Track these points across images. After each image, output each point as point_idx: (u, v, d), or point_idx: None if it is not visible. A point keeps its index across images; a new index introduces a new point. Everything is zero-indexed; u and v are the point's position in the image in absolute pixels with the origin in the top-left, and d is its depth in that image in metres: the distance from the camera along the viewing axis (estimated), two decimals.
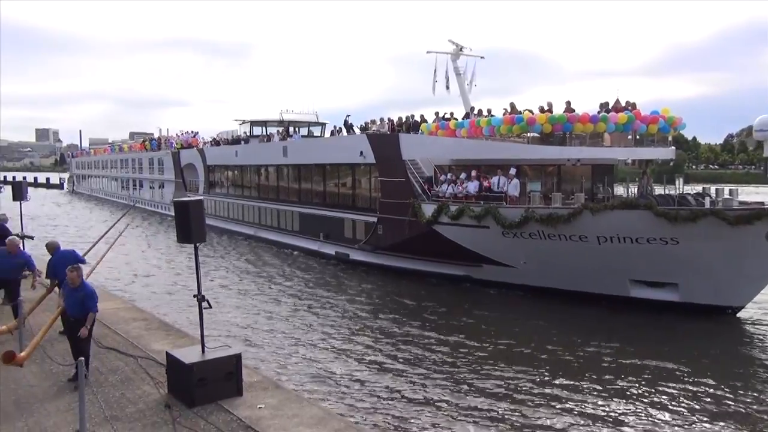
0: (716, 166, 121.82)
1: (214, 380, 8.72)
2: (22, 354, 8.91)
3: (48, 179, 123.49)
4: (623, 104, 22.91)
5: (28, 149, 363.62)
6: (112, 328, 12.90)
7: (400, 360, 15.07)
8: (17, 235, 14.86)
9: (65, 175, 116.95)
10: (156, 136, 65.99)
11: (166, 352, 9.45)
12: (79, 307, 9.69)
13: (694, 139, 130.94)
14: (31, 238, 18.59)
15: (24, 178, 35.38)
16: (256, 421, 8.11)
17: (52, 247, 12.13)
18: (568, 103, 22.21)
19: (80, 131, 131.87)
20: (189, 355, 9.06)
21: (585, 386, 13.36)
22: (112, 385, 9.52)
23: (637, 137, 23.22)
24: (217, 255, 31.36)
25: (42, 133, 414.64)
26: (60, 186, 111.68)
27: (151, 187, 60.49)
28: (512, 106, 23.76)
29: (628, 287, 19.97)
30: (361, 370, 14.31)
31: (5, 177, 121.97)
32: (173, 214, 54.65)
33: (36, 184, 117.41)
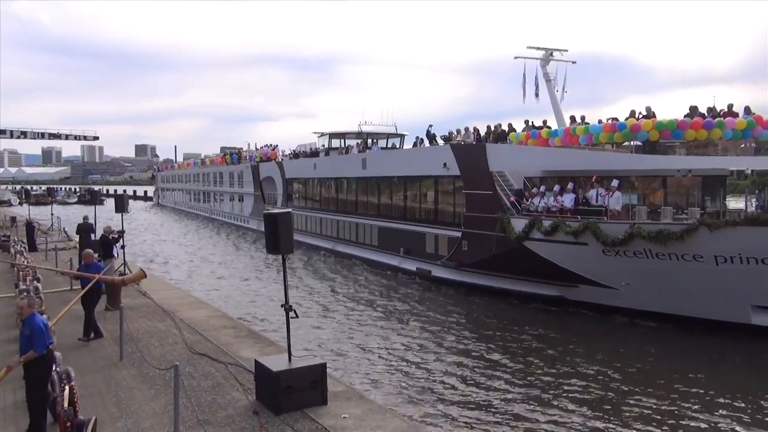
0: None
1: (300, 389, 8.86)
2: None
3: (146, 192, 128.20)
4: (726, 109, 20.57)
5: (129, 164, 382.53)
6: (204, 335, 13.27)
7: (485, 379, 14.59)
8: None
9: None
10: (244, 150, 66.79)
11: (255, 360, 9.58)
12: (25, 344, 7.92)
13: None
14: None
15: (124, 191, 36.89)
16: (340, 430, 8.19)
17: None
18: (695, 108, 20.05)
19: (175, 146, 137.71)
20: (276, 363, 9.23)
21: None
22: (204, 390, 9.81)
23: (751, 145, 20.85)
24: (296, 267, 30.96)
25: (141, 149, 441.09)
26: (150, 199, 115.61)
27: (231, 200, 61.15)
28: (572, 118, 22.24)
29: (750, 313, 17.67)
30: (446, 387, 14.04)
31: (107, 190, 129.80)
32: (252, 226, 55.50)
33: (134, 196, 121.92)
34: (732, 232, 16.76)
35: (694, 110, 20.34)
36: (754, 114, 19.87)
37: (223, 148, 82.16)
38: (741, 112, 20.15)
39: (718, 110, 20.60)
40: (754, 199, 21.03)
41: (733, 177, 23.83)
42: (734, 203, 24.08)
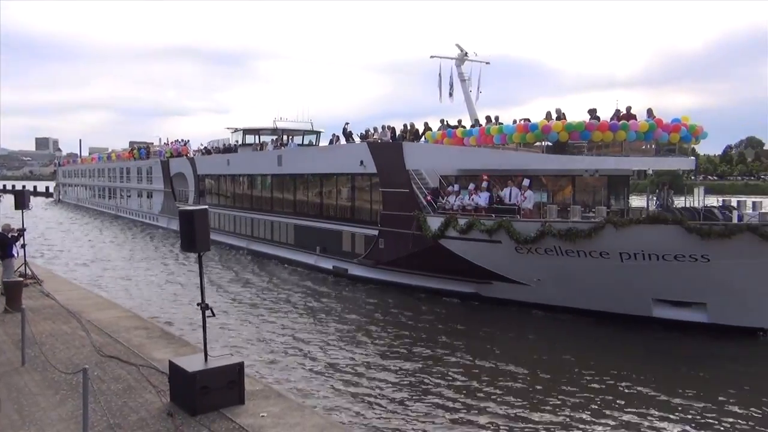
0: (715, 177, 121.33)
1: (216, 389, 8.71)
2: None
3: (47, 188, 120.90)
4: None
5: (28, 158, 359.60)
6: (114, 336, 12.80)
7: (399, 374, 14.75)
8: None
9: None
10: (156, 145, 64.40)
11: (169, 361, 9.31)
12: None
13: (693, 150, 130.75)
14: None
15: (23, 186, 34.48)
16: (258, 429, 8.09)
17: None
18: (594, 111, 20.88)
19: (80, 140, 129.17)
20: (191, 363, 9.01)
21: (598, 412, 12.51)
22: (114, 394, 9.45)
23: (652, 146, 21.99)
24: (211, 266, 30.16)
25: (42, 142, 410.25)
26: (51, 195, 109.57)
27: (139, 197, 58.97)
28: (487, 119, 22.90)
29: (651, 307, 18.64)
30: (364, 384, 14.11)
31: (4, 186, 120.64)
32: (162, 224, 53.63)
33: (35, 192, 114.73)
34: (635, 230, 17.60)
35: (592, 113, 21.26)
36: (655, 117, 20.95)
37: (132, 143, 78.82)
38: (644, 115, 21.21)
39: (622, 113, 21.57)
40: (654, 198, 22.23)
41: (635, 177, 25.05)
42: (636, 202, 25.41)
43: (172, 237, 43.46)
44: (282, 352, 16.60)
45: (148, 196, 56.13)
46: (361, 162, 26.08)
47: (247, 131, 41.83)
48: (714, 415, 12.40)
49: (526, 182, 20.70)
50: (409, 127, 26.63)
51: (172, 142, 57.21)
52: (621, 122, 20.23)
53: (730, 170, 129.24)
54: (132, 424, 8.31)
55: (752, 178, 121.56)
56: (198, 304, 9.10)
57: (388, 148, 25.60)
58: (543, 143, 21.17)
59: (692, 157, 23.14)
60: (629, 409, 12.62)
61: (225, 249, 36.96)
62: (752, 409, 12.66)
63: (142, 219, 56.83)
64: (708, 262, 17.06)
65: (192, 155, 49.19)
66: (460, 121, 25.13)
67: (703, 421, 12.15)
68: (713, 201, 22.68)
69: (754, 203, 20.21)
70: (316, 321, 20.04)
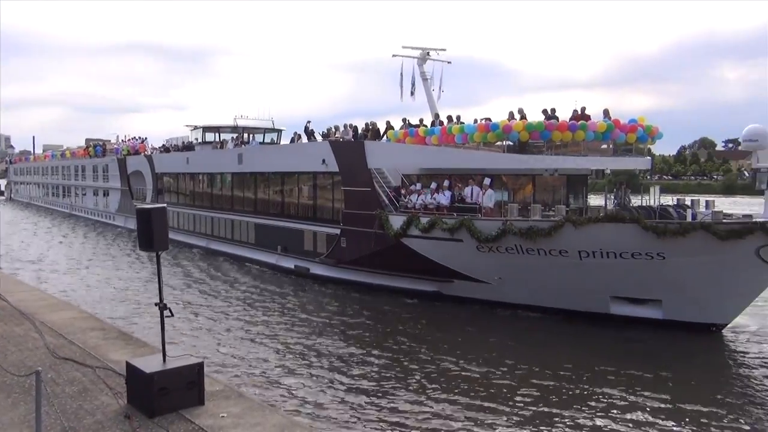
0: (670, 177, 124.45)
1: (175, 390, 8.54)
2: None
3: None
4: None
5: None
6: (68, 338, 12.38)
7: (360, 374, 14.76)
8: None
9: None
10: (112, 142, 62.99)
11: (126, 362, 9.10)
12: None
13: (649, 150, 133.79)
14: None
15: None
16: (218, 429, 7.99)
17: None
18: (553, 110, 21.18)
19: (33, 137, 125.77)
20: (149, 364, 8.85)
21: (557, 407, 12.71)
22: (69, 396, 9.17)
23: (610, 146, 22.41)
24: (169, 266, 29.69)
25: None
26: (2, 193, 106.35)
27: (95, 195, 57.67)
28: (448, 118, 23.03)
29: (609, 304, 18.99)
30: (325, 382, 14.15)
31: None
32: (119, 223, 52.46)
33: None
34: (594, 228, 17.89)
35: (546, 112, 21.59)
36: (611, 117, 21.34)
37: (88, 140, 76.93)
38: (601, 115, 21.59)
39: (579, 113, 21.92)
40: (612, 197, 22.66)
41: (593, 176, 25.49)
42: (595, 201, 25.86)
43: (129, 236, 42.65)
44: (243, 352, 16.47)
45: (104, 195, 54.95)
46: (323, 161, 25.94)
47: (206, 129, 41.25)
48: (670, 406, 12.76)
49: (487, 181, 20.87)
50: (371, 126, 26.59)
51: (129, 140, 56.10)
52: (580, 122, 20.56)
53: (684, 170, 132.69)
54: (87, 427, 8.11)
55: (705, 177, 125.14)
56: (156, 304, 8.95)
57: (350, 146, 25.52)
58: (504, 143, 21.36)
59: (648, 157, 23.64)
60: (590, 403, 12.87)
61: (184, 248, 36.37)
62: (705, 400, 13.04)
63: (97, 218, 55.64)
64: (663, 260, 17.46)
65: (150, 153, 48.33)
66: (421, 120, 25.21)
67: (660, 412, 12.44)
68: (668, 200, 23.29)
69: (707, 202, 20.81)
70: (278, 321, 19.87)
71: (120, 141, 59.86)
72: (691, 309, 17.85)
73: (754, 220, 16.99)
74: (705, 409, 12.65)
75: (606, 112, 21.74)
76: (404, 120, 25.39)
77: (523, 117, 21.56)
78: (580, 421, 12.10)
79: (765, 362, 16.05)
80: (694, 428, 11.83)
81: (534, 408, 12.68)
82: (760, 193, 17.43)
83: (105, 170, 54.28)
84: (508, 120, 21.14)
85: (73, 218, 59.90)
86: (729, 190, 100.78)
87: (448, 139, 22.19)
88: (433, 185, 22.17)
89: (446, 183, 21.83)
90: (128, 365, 8.99)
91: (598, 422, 12.05)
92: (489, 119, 21.92)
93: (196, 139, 41.84)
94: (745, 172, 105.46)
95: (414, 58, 27.21)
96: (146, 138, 53.75)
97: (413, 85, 27.17)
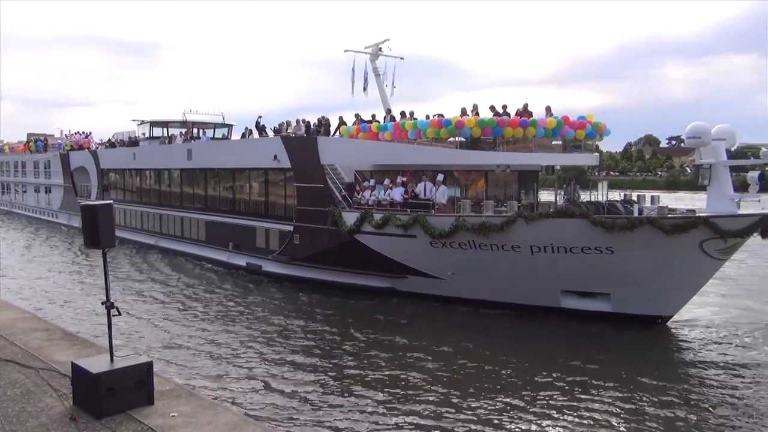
0: (617, 173, 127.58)
1: (123, 390, 8.41)
2: None
3: None
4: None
5: None
6: (10, 339, 12.02)
7: (313, 371, 14.78)
8: None
9: None
10: (56, 137, 60.93)
11: (72, 363, 8.86)
12: None
13: (597, 146, 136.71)
14: None
15: None
16: (168, 429, 7.87)
17: None
18: (504, 107, 21.39)
19: None
20: (96, 364, 8.64)
21: (511, 401, 12.92)
22: (11, 399, 8.91)
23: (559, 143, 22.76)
24: (117, 264, 28.92)
25: None
26: None
27: (36, 192, 55.75)
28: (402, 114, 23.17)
29: (559, 298, 19.32)
30: (277, 380, 14.15)
31: None
32: (62, 221, 50.79)
33: None
34: (544, 224, 18.14)
35: (492, 109, 21.86)
36: (552, 114, 21.67)
37: (30, 135, 74.22)
38: (543, 113, 21.93)
39: (522, 110, 22.16)
40: (562, 193, 23.04)
41: (543, 172, 25.85)
42: (545, 196, 26.26)
43: (73, 234, 41.39)
44: (193, 351, 16.24)
45: (46, 192, 53.20)
46: (275, 156, 25.63)
47: (154, 123, 40.19)
48: (619, 394, 13.18)
49: (440, 177, 20.94)
50: (323, 121, 26.38)
51: (72, 134, 54.41)
52: (530, 119, 20.82)
53: (630, 166, 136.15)
54: (31, 431, 7.92)
55: (650, 173, 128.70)
56: (103, 303, 8.80)
57: (303, 142, 25.28)
58: (456, 139, 21.48)
59: (596, 154, 24.07)
60: (542, 395, 13.07)
61: (132, 246, 35.51)
62: (652, 389, 13.40)
63: (39, 215, 53.91)
64: (612, 254, 17.83)
65: (94, 148, 46.97)
66: (374, 116, 25.11)
67: (609, 400, 12.76)
68: (616, 195, 23.83)
69: (652, 197, 21.41)
70: (229, 319, 19.60)
71: (63, 136, 58.05)
72: (638, 302, 18.30)
73: (697, 214, 17.49)
74: (649, 396, 13.06)
75: (548, 109, 22.11)
76: (357, 116, 25.26)
77: (476, 113, 21.71)
78: (531, 413, 12.31)
79: (704, 349, 16.65)
80: (640, 417, 12.14)
81: (492, 404, 12.80)
82: (703, 188, 17.97)
83: (47, 166, 52.54)
84: (461, 116, 21.25)
85: (12, 216, 57.90)
86: (672, 185, 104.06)
87: (401, 135, 22.19)
88: (387, 181, 22.15)
89: (399, 179, 21.82)
90: (74, 366, 8.78)
91: (552, 414, 12.27)
92: (442, 115, 21.99)
93: (144, 134, 40.78)
94: (688, 169, 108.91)
95: (366, 53, 27.08)
96: (90, 133, 52.16)
97: (366, 80, 27.01)
